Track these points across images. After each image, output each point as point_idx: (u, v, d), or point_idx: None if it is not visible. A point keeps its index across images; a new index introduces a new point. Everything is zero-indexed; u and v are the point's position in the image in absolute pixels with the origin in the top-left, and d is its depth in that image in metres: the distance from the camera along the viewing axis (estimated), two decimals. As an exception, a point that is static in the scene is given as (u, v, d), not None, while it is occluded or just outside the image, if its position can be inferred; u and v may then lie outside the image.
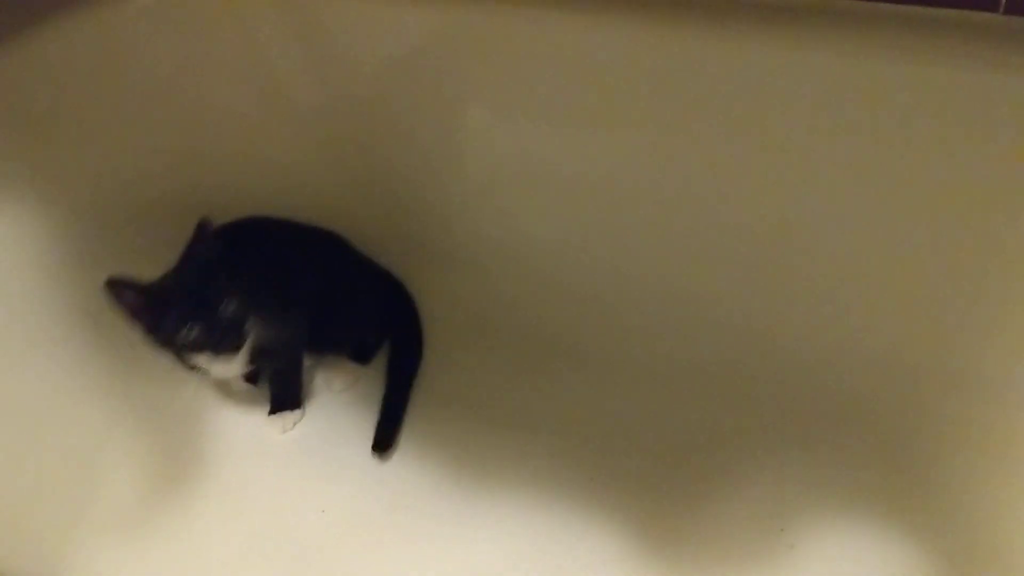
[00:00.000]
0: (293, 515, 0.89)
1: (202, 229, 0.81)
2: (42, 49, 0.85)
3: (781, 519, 0.84)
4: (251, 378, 0.97)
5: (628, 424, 0.95)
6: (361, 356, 1.04)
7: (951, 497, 0.83)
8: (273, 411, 0.97)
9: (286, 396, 0.98)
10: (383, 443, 0.94)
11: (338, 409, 0.99)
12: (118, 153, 0.93)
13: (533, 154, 0.97)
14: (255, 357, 0.86)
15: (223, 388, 0.99)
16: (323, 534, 0.87)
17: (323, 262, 0.99)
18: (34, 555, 0.80)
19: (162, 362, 0.81)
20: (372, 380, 1.01)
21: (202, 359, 0.82)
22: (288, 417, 0.97)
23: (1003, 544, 0.77)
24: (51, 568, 0.81)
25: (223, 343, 0.80)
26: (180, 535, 0.88)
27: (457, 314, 1.08)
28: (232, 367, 0.85)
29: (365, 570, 0.85)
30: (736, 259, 0.95)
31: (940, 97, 0.75)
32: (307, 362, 0.99)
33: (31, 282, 0.84)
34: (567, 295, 1.07)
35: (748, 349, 0.98)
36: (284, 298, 0.91)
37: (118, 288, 0.76)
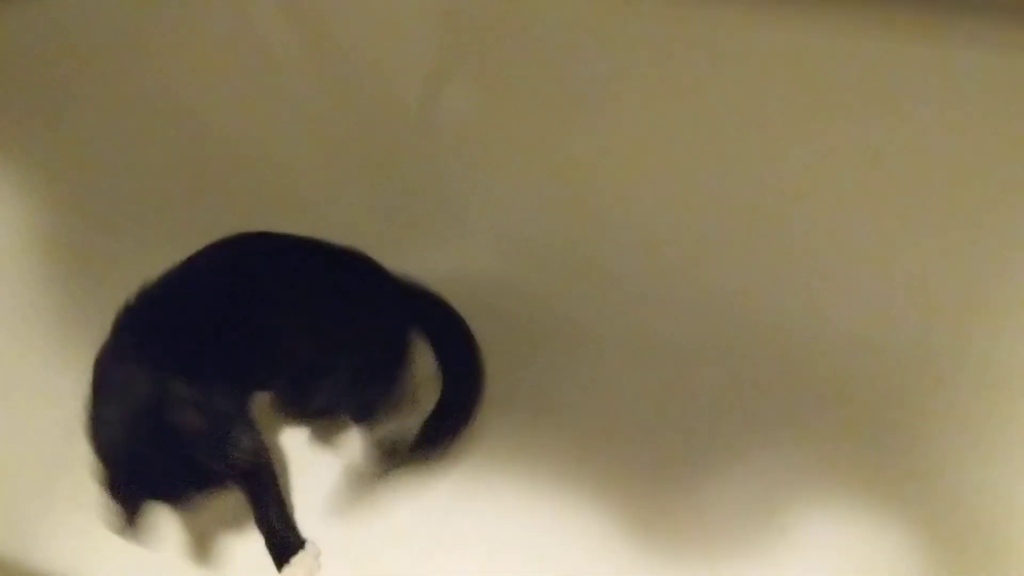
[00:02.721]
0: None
1: None
2: (27, 38, 0.84)
3: (772, 503, 0.84)
4: None
5: (616, 406, 0.93)
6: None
7: (943, 481, 0.82)
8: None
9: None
10: None
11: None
12: (114, 147, 0.93)
13: (535, 140, 0.95)
14: None
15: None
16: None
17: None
18: (6, 531, 0.80)
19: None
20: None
21: None
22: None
23: (994, 527, 0.77)
24: (23, 544, 0.80)
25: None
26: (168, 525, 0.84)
27: (448, 291, 1.03)
28: None
29: (353, 540, 0.84)
30: (728, 239, 0.93)
31: (946, 77, 0.72)
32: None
33: (22, 267, 0.85)
34: (548, 272, 1.05)
35: (739, 331, 0.96)
36: None
37: None
